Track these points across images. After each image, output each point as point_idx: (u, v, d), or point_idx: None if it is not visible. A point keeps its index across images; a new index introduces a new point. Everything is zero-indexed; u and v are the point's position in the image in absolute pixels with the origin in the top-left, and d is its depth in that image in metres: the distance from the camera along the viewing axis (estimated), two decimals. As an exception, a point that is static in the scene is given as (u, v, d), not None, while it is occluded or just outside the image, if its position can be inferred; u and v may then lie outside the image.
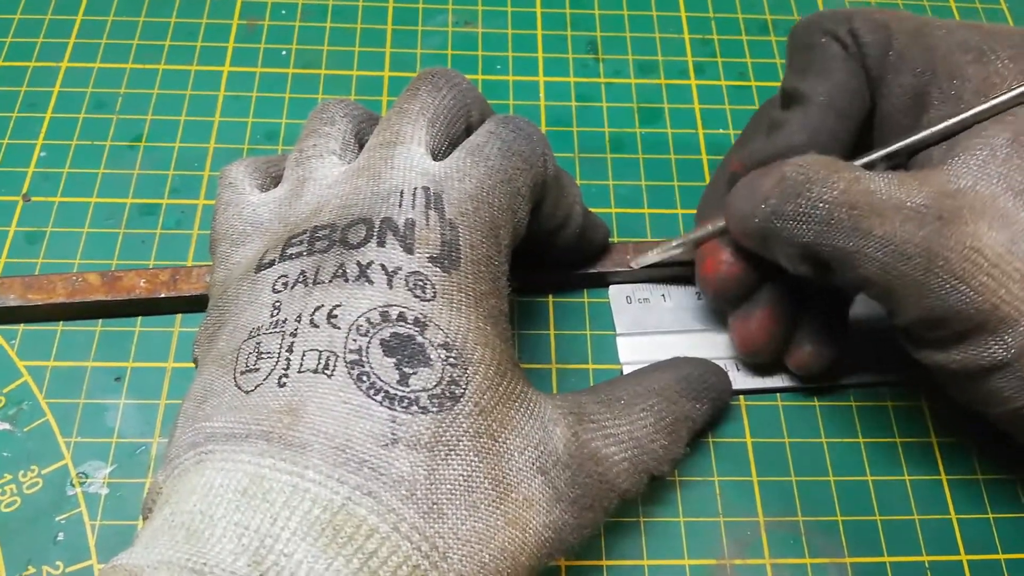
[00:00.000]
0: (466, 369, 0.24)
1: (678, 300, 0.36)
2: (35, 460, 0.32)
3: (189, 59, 0.43)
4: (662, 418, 0.29)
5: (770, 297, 0.32)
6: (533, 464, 0.24)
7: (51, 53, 0.43)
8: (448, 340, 0.24)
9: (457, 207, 0.26)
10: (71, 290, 0.34)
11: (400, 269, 0.25)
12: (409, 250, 0.25)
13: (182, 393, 0.34)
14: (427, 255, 0.25)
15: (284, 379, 0.23)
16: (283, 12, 0.45)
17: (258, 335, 0.24)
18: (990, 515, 0.33)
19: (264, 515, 0.20)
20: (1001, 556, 0.32)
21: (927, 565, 0.32)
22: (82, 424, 0.33)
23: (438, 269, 0.25)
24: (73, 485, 0.32)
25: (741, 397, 0.35)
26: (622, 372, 0.35)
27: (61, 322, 0.35)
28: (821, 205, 0.27)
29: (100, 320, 0.35)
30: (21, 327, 0.35)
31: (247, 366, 0.24)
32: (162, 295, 0.35)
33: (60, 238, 0.37)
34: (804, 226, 0.27)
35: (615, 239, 0.38)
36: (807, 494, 0.33)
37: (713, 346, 0.35)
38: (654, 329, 0.36)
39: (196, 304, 0.35)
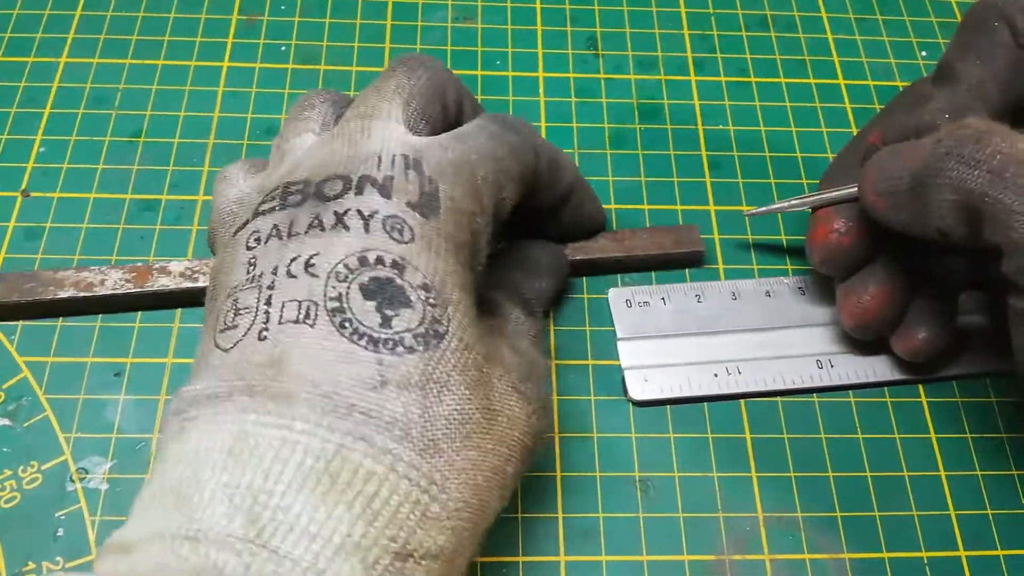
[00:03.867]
0: (446, 308, 0.24)
1: (678, 303, 0.36)
2: (35, 456, 0.32)
3: (188, 54, 0.43)
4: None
5: (886, 274, 0.32)
6: (509, 385, 0.26)
7: (50, 48, 0.43)
8: (427, 281, 0.24)
9: (437, 167, 0.27)
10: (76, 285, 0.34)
11: (377, 212, 0.25)
12: (387, 196, 0.25)
13: (182, 389, 0.34)
14: (405, 200, 0.25)
15: (264, 332, 0.23)
16: (282, 7, 0.45)
17: (235, 293, 0.24)
18: (989, 511, 0.33)
19: (254, 471, 0.20)
20: (1000, 552, 0.32)
21: (926, 561, 0.32)
22: (82, 420, 0.33)
23: (416, 214, 0.25)
24: (73, 481, 0.32)
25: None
26: (623, 374, 0.35)
27: (61, 317, 0.35)
28: (1000, 156, 0.26)
29: (99, 315, 0.35)
30: (20, 322, 0.35)
31: (225, 324, 0.24)
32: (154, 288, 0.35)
33: (59, 234, 0.37)
34: (976, 172, 0.26)
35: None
36: (806, 490, 0.33)
37: (713, 349, 0.35)
38: (654, 333, 0.36)
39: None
